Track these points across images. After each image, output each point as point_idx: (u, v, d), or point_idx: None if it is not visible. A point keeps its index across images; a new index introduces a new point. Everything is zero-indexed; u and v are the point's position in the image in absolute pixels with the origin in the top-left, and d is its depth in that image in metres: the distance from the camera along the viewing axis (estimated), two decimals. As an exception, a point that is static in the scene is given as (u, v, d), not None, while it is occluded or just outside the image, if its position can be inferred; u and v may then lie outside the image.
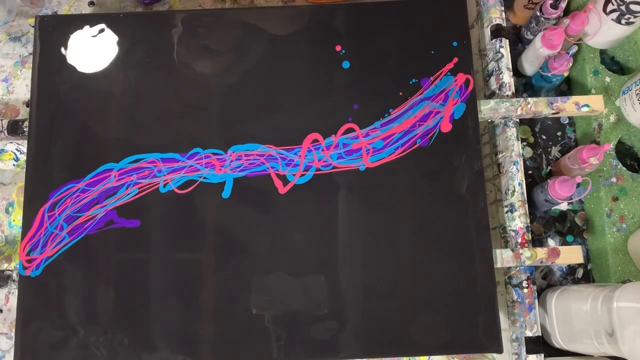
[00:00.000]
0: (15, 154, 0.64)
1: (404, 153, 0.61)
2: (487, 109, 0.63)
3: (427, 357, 0.64)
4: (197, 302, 0.58)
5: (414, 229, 0.60)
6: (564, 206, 0.69)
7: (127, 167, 0.61)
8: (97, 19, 0.65)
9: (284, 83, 0.63)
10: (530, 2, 0.69)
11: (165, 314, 0.58)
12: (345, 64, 0.63)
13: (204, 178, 0.60)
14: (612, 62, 0.73)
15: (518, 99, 0.63)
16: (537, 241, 0.68)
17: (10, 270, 0.66)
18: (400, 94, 0.62)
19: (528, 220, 0.62)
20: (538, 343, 0.59)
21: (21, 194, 0.64)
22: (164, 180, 0.60)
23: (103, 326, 0.57)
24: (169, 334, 0.57)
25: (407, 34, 0.64)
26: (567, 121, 0.72)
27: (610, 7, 0.65)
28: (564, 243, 0.68)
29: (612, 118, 0.69)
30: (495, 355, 0.63)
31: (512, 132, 0.64)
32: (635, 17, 0.64)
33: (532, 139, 0.71)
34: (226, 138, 0.61)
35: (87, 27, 0.64)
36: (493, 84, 0.66)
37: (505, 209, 0.64)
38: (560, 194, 0.61)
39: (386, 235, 0.59)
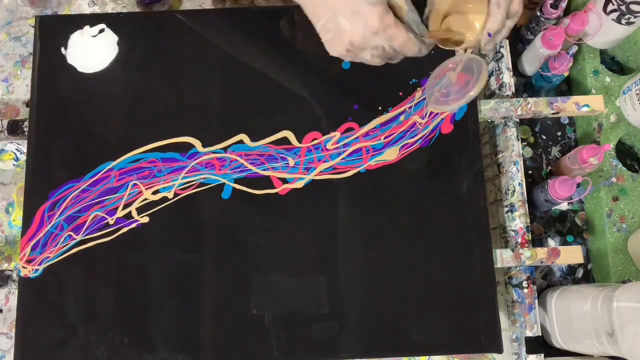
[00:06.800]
0: (15, 154, 0.64)
1: (405, 153, 0.61)
2: (487, 109, 0.63)
3: (427, 357, 0.64)
4: (197, 302, 0.58)
5: (414, 229, 0.60)
6: (564, 206, 0.69)
7: (127, 167, 0.61)
8: (97, 19, 0.65)
9: (284, 83, 0.63)
10: (531, 2, 0.69)
11: (165, 314, 0.58)
12: (345, 64, 0.63)
13: (204, 178, 0.60)
14: (612, 62, 0.73)
15: (518, 99, 0.63)
16: (537, 241, 0.68)
17: (10, 270, 0.66)
18: (400, 93, 0.62)
19: (528, 220, 0.62)
20: (538, 343, 0.59)
21: (21, 194, 0.64)
22: (164, 180, 0.60)
23: (103, 326, 0.57)
24: (169, 334, 0.57)
25: (407, 34, 0.64)
26: (567, 121, 0.72)
27: (610, 7, 0.65)
28: (564, 243, 0.68)
29: (612, 118, 0.69)
30: (495, 355, 0.63)
31: (512, 132, 0.64)
32: (635, 17, 0.64)
33: (532, 139, 0.71)
34: (226, 138, 0.61)
35: (87, 27, 0.64)
36: (493, 84, 0.66)
37: (505, 209, 0.64)
38: (560, 194, 0.61)
39: (386, 235, 0.59)
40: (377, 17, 0.45)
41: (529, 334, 0.59)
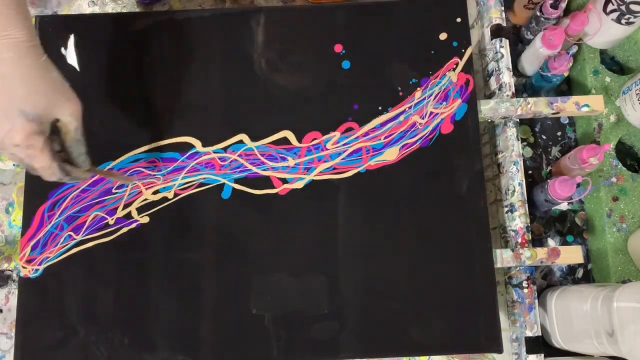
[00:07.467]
0: (15, 154, 0.64)
1: (405, 154, 0.61)
2: (487, 109, 0.63)
3: (427, 357, 0.64)
4: (197, 302, 0.58)
5: (414, 229, 0.60)
6: (564, 206, 0.69)
7: (127, 167, 0.61)
8: (97, 19, 0.65)
9: (284, 83, 0.63)
10: (530, 2, 0.69)
11: (165, 314, 0.58)
12: (345, 64, 0.63)
13: (204, 178, 0.60)
14: (612, 62, 0.73)
15: (518, 99, 0.63)
16: (537, 241, 0.68)
17: (10, 270, 0.66)
18: (400, 93, 0.62)
19: (528, 220, 0.62)
20: (538, 343, 0.59)
21: (21, 194, 0.64)
22: (164, 180, 0.60)
23: (103, 326, 0.57)
24: (169, 334, 0.57)
25: (407, 33, 0.64)
26: (567, 121, 0.72)
27: (610, 7, 0.65)
28: (564, 243, 0.68)
29: (612, 118, 0.69)
30: (495, 355, 0.63)
31: (512, 132, 0.64)
32: (635, 17, 0.64)
33: (532, 139, 0.71)
34: (226, 138, 0.61)
35: (87, 27, 0.64)
36: (493, 84, 0.66)
37: (505, 209, 0.64)
38: (560, 194, 0.61)
39: (386, 235, 0.59)
40: (24, 134, 0.43)
41: (529, 334, 0.59)
